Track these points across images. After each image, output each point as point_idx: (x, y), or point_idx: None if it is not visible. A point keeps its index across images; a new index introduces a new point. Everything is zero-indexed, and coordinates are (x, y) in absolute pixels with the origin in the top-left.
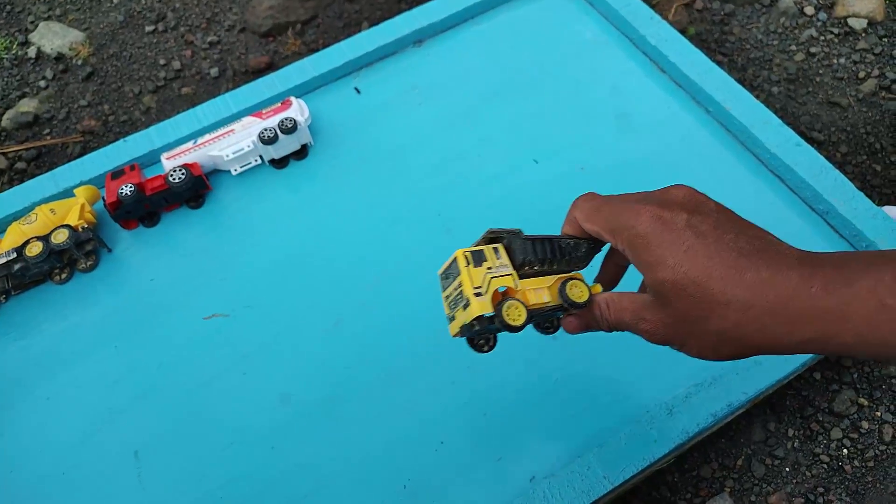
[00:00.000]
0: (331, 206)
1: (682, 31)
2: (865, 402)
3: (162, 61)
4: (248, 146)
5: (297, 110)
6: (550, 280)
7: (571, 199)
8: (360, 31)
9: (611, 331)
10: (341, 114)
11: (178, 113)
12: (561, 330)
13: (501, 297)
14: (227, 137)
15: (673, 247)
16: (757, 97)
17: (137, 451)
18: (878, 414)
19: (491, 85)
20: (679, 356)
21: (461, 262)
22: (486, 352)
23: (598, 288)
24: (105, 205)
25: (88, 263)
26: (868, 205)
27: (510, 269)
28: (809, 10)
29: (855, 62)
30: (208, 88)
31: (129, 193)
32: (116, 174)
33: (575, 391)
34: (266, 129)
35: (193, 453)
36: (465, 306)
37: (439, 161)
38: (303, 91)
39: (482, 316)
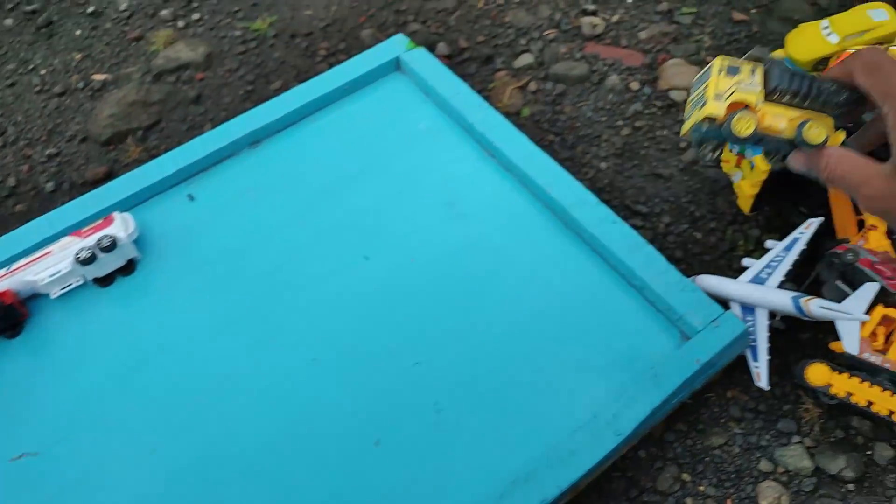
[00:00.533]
0: (162, 321)
1: (517, 114)
2: (688, 478)
3: None
4: (66, 268)
5: (120, 226)
6: (795, 114)
7: (402, 293)
8: (202, 133)
9: (827, 184)
10: (174, 223)
11: (10, 232)
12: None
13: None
14: (43, 260)
15: None
16: (586, 174)
17: None
18: (702, 488)
19: (325, 181)
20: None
21: (715, 69)
22: (710, 160)
23: (840, 137)
24: None
25: None
26: (678, 278)
27: (759, 89)
28: (635, 85)
29: (676, 133)
30: (43, 204)
31: None
32: None
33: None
34: (83, 249)
35: None
36: (702, 106)
37: (273, 263)
38: (134, 203)
39: (713, 120)
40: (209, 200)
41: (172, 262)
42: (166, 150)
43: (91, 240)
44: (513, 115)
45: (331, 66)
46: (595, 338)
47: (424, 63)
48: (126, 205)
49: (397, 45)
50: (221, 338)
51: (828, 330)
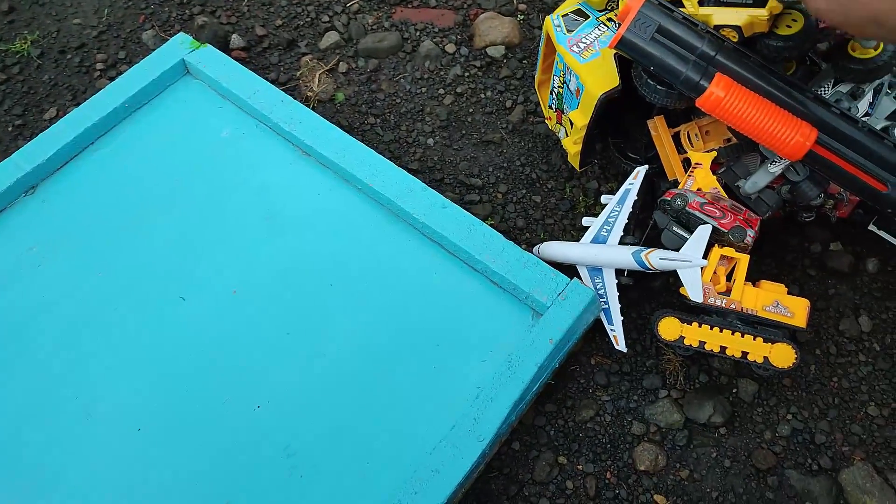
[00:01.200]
0: None
1: (331, 100)
2: (565, 460)
3: None
4: None
5: None
6: None
7: (228, 332)
8: None
9: None
10: None
11: None
12: None
13: None
14: None
15: None
16: (414, 154)
17: None
18: (580, 467)
19: (121, 219)
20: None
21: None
22: None
23: None
24: None
25: None
26: (518, 254)
27: None
28: (451, 47)
29: (500, 92)
30: None
31: None
32: None
33: None
34: None
35: None
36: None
37: (70, 331)
38: None
39: None
40: None
41: None
42: None
43: None
44: (327, 103)
45: (112, 80)
46: (446, 335)
47: (214, 62)
48: None
49: (179, 46)
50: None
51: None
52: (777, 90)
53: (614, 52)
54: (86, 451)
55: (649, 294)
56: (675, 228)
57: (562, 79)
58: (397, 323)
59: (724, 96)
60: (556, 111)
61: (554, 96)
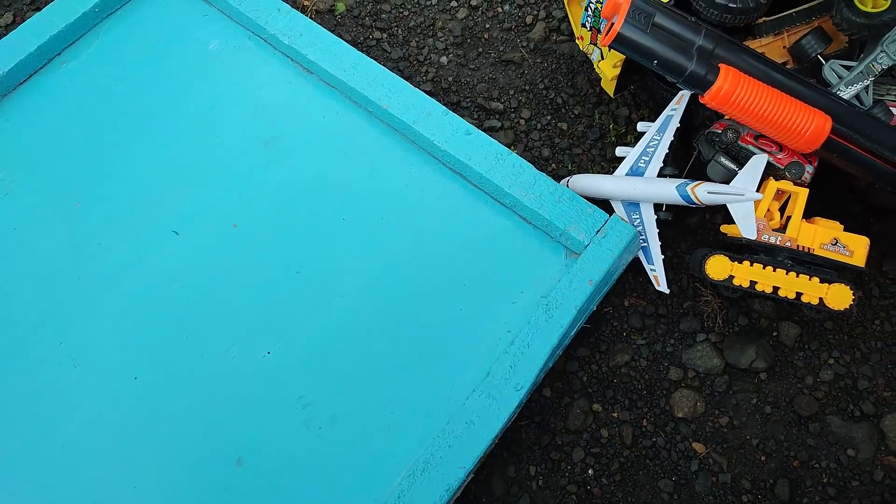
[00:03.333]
0: None
1: (331, 11)
2: (599, 408)
3: None
4: None
5: None
6: None
7: (229, 270)
8: None
9: None
10: None
11: None
12: None
13: None
14: None
15: None
16: (427, 74)
17: None
18: (615, 415)
19: (99, 140)
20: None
21: None
22: None
23: None
24: None
25: None
26: (551, 187)
27: None
28: None
29: (519, 6)
30: None
31: None
32: None
33: None
34: None
35: None
36: None
37: (48, 269)
38: None
39: None
40: None
41: None
42: None
43: None
44: (325, 14)
45: None
46: (471, 274)
47: None
48: None
49: None
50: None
51: (715, 210)
52: (782, 81)
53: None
54: (77, 403)
55: (685, 231)
56: (723, 160)
57: None
58: (417, 261)
59: (734, 90)
60: (590, 30)
61: (590, 13)
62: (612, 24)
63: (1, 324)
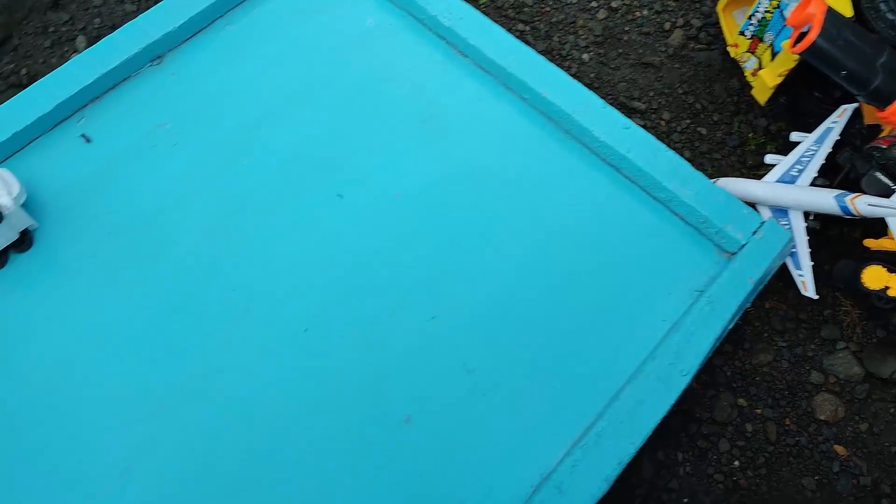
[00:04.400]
0: (78, 309)
1: (472, 0)
2: (744, 402)
3: None
4: None
5: (1, 188)
6: None
7: (393, 237)
8: (76, 50)
9: None
10: (69, 175)
11: None
12: None
13: None
14: None
15: None
16: (569, 69)
17: None
18: (759, 411)
19: (261, 102)
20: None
21: None
22: None
23: None
24: None
25: None
26: (707, 186)
27: None
28: None
29: (658, 12)
30: None
31: None
32: None
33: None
34: None
35: None
36: None
37: (212, 221)
38: (9, 152)
39: None
40: (109, 142)
41: (78, 230)
42: (28, 75)
43: None
44: (469, 2)
45: None
46: (626, 265)
47: None
48: None
49: None
50: (169, 326)
51: (855, 224)
52: None
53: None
54: (246, 348)
55: (827, 243)
56: (878, 175)
57: (775, 3)
58: (570, 246)
59: None
60: (751, 38)
61: (754, 21)
62: (803, 33)
63: (173, 270)
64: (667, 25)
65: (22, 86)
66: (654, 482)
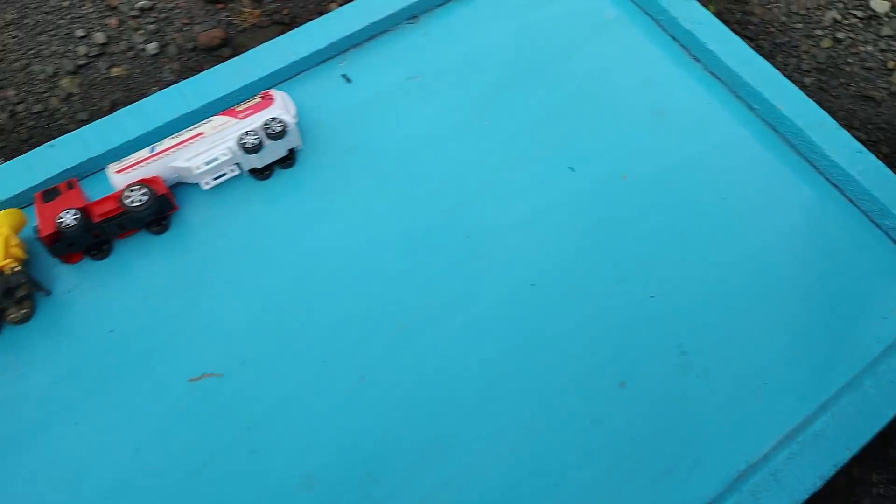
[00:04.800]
0: (329, 228)
1: None
2: None
3: (80, 32)
4: (225, 155)
5: (283, 107)
6: None
7: (619, 215)
8: (334, 1)
9: None
10: (329, 108)
11: (109, 100)
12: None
13: None
14: (194, 143)
15: None
16: None
17: None
18: None
19: (502, 72)
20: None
21: None
22: None
23: None
24: (38, 236)
25: (22, 313)
26: None
27: None
28: None
29: (882, 50)
30: (146, 69)
31: (73, 224)
32: (49, 194)
33: (652, 452)
34: (248, 134)
35: None
36: None
37: (455, 169)
38: (279, 79)
39: None
40: (367, 85)
41: (335, 157)
42: (290, 17)
43: (253, 121)
44: None
45: None
46: (838, 283)
47: None
48: (272, 81)
49: None
50: (408, 256)
51: None
52: None
53: None
54: (477, 290)
55: None
56: None
57: None
58: (786, 254)
59: None
60: None
61: None
62: None
63: (417, 207)
64: (890, 64)
65: (284, 24)
66: (846, 497)
